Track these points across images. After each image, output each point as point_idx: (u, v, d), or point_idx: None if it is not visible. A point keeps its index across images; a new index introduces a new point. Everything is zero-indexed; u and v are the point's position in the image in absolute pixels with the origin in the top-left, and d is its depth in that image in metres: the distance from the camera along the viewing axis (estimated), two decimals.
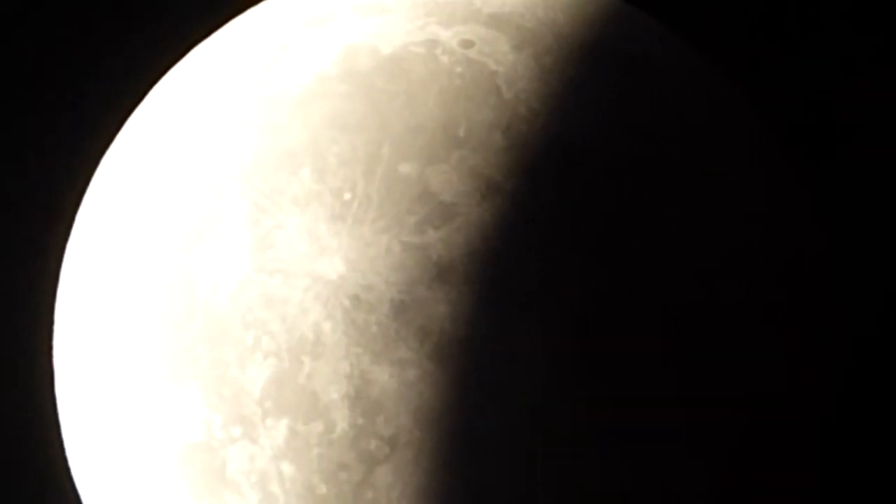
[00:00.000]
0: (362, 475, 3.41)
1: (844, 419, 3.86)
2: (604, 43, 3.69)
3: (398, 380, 3.37)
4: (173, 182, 3.64)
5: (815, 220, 3.83)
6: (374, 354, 3.38)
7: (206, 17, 4.07)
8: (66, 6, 5.51)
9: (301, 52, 3.64)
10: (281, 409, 3.43)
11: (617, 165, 3.48)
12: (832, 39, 5.04)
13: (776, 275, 3.58)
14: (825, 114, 4.95)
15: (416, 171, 3.43)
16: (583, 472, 3.39)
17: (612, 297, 3.39)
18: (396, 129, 3.47)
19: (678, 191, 3.50)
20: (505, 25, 3.64)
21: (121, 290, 3.69)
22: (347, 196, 3.43)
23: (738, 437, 3.51)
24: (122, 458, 3.73)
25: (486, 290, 3.38)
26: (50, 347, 4.12)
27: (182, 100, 3.80)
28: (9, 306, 5.51)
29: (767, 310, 3.54)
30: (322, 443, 3.41)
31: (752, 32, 5.09)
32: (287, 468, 3.45)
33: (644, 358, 3.39)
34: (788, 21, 5.05)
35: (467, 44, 3.59)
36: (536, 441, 3.36)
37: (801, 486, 3.73)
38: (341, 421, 3.40)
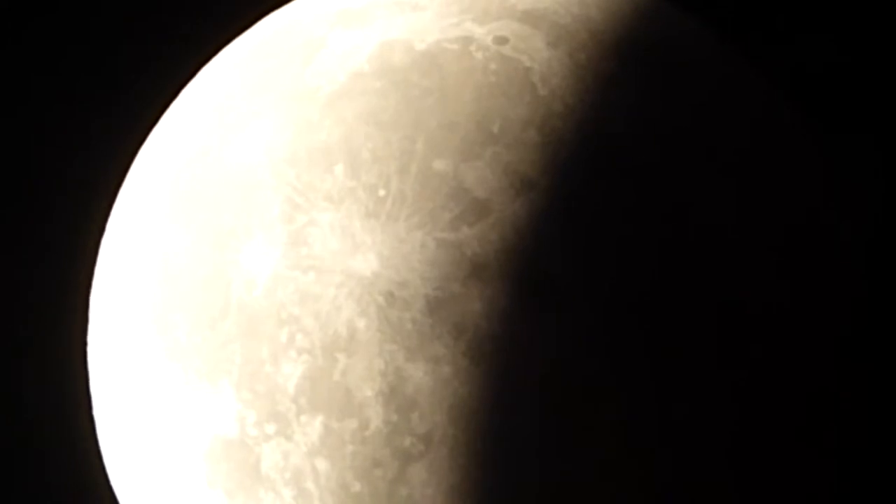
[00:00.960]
0: (396, 472, 3.41)
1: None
2: (638, 39, 3.68)
3: (432, 377, 3.37)
4: (207, 179, 3.65)
5: (847, 203, 3.81)
6: (408, 351, 3.37)
7: (241, 13, 4.08)
8: (102, 5, 5.53)
9: (335, 49, 3.64)
10: (315, 406, 3.43)
11: (652, 161, 3.47)
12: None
13: (819, 265, 3.56)
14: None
15: (450, 168, 3.42)
16: (621, 470, 3.38)
17: (648, 293, 3.38)
18: (431, 125, 3.46)
19: (715, 186, 3.48)
20: (539, 22, 3.63)
21: (155, 288, 3.70)
22: (381, 192, 3.42)
23: (791, 433, 3.50)
24: (157, 456, 3.73)
25: (520, 287, 3.38)
26: (84, 346, 4.14)
27: (216, 97, 3.80)
28: (44, 305, 5.53)
29: (812, 302, 3.52)
30: (356, 440, 3.41)
31: (788, 31, 5.07)
32: (321, 465, 3.45)
33: (681, 352, 3.37)
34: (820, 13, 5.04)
35: (501, 40, 3.58)
36: (572, 438, 3.35)
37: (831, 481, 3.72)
38: (375, 418, 3.39)
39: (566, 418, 3.36)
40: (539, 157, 3.45)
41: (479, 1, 3.66)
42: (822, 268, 3.59)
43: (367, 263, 3.40)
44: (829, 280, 3.60)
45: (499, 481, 3.39)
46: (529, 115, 3.48)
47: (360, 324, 3.39)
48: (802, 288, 3.52)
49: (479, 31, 3.60)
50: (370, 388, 3.39)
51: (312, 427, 3.44)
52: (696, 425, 3.41)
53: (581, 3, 3.71)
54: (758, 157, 3.62)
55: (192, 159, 3.72)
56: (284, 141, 3.55)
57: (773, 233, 3.52)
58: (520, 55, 3.56)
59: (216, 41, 4.04)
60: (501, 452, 3.38)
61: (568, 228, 3.40)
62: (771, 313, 3.46)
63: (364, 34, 3.64)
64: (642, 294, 3.38)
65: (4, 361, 5.66)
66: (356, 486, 3.44)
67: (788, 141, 3.75)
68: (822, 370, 3.55)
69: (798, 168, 3.71)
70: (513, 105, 3.49)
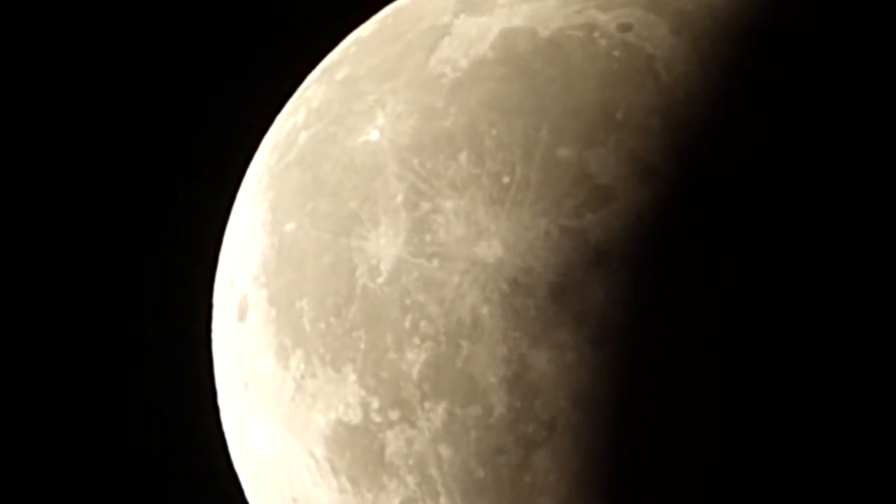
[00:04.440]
0: (520, 459, 3.41)
1: None
2: (763, 26, 3.65)
3: (556, 364, 3.36)
4: (332, 166, 3.67)
5: None
6: (532, 338, 3.37)
7: (363, 2, 4.10)
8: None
9: (459, 36, 3.65)
10: (439, 393, 3.44)
11: (777, 150, 3.43)
12: None
13: None
14: None
15: (574, 155, 3.41)
16: (745, 454, 3.35)
17: (774, 285, 3.35)
18: (554, 112, 3.46)
19: (845, 176, 3.44)
20: (663, 9, 3.61)
21: (278, 275, 3.73)
22: (506, 179, 3.43)
23: None
24: (281, 442, 3.76)
25: (643, 275, 3.36)
26: (209, 335, 4.18)
27: (341, 84, 3.83)
28: (168, 297, 5.61)
29: None
30: (480, 426, 3.42)
31: None
32: (445, 451, 3.46)
33: (811, 346, 3.34)
34: None
35: (625, 27, 3.57)
36: (696, 425, 3.33)
37: None
38: (499, 404, 3.40)
39: (689, 404, 3.34)
40: (663, 145, 3.43)
41: None
42: None
43: (490, 250, 3.41)
44: None
45: (622, 468, 3.38)
46: (653, 103, 3.47)
47: (484, 311, 3.40)
48: None
49: (603, 19, 3.59)
50: (494, 375, 3.39)
51: (436, 413, 3.45)
52: (827, 423, 3.37)
53: None
54: (891, 147, 3.57)
55: (316, 146, 3.75)
56: (409, 128, 3.57)
57: None
58: (643, 42, 3.55)
59: (340, 27, 4.07)
60: (625, 439, 3.36)
61: (691, 216, 3.38)
62: None
63: (487, 21, 3.65)
64: (766, 285, 3.35)
65: (134, 355, 5.75)
66: (480, 473, 3.44)
67: None
68: None
69: None
70: (636, 92, 3.48)
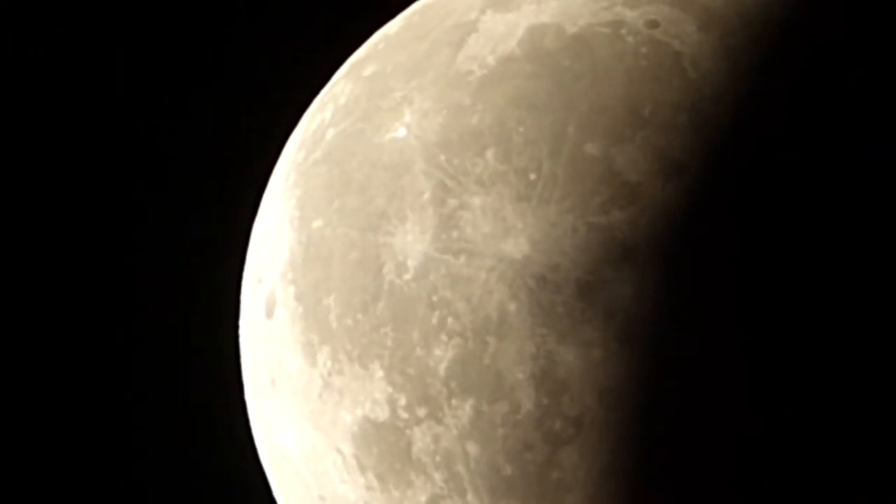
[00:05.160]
0: (547, 455, 3.41)
1: None
2: (790, 23, 3.64)
3: (583, 360, 3.36)
4: (359, 162, 3.68)
5: None
6: (559, 335, 3.37)
7: None
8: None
9: (487, 32, 3.65)
10: (466, 390, 3.44)
11: (804, 147, 3.43)
12: None
13: None
14: None
15: (601, 151, 3.41)
16: (772, 455, 3.35)
17: (803, 280, 3.34)
18: (582, 108, 3.46)
19: (873, 180, 3.43)
20: (690, 6, 3.60)
21: (306, 272, 3.74)
22: (533, 176, 3.43)
23: None
24: (308, 439, 3.77)
25: (671, 271, 3.36)
26: (236, 332, 4.20)
27: (367, 81, 3.83)
28: (196, 294, 5.62)
29: None
30: (507, 423, 3.42)
31: None
32: (472, 448, 3.46)
33: (841, 344, 3.33)
34: None
35: (652, 24, 3.56)
36: (722, 421, 3.33)
37: None
38: (526, 401, 3.40)
39: (715, 401, 3.34)
40: (690, 142, 3.42)
41: None
42: None
43: (518, 247, 3.41)
44: None
45: (649, 464, 3.38)
46: (680, 99, 3.46)
47: (511, 307, 3.40)
48: None
49: (630, 15, 3.58)
50: (521, 372, 3.39)
51: (463, 410, 3.45)
52: (860, 421, 3.37)
53: None
54: None
55: (344, 143, 3.75)
56: (436, 125, 3.57)
57: None
58: (671, 39, 3.55)
59: (368, 24, 4.08)
60: (652, 435, 3.36)
61: (718, 213, 3.38)
62: None
63: (514, 18, 3.65)
64: (794, 282, 3.34)
65: (162, 352, 5.77)
66: (507, 470, 3.45)
67: None
68: None
69: None
70: (663, 89, 3.47)
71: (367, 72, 3.85)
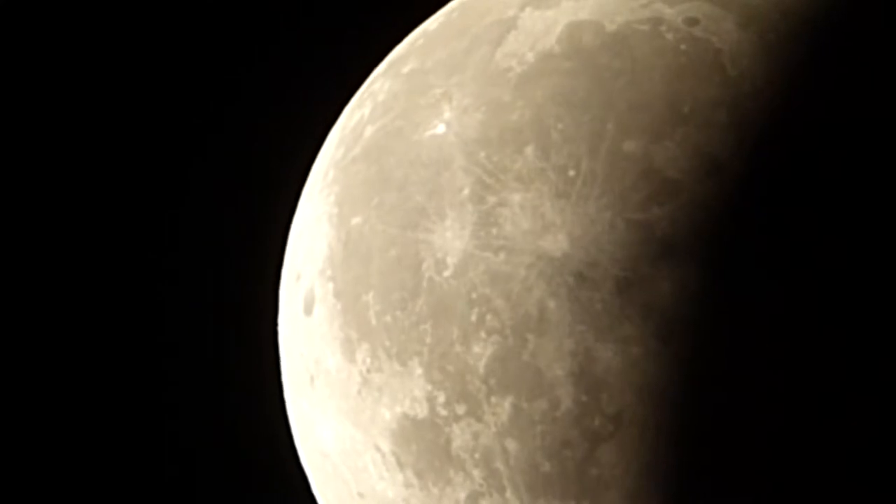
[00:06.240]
0: (586, 453, 3.41)
1: None
2: (830, 21, 3.63)
3: (622, 357, 3.36)
4: (399, 159, 3.69)
5: None
6: (598, 332, 3.37)
7: None
8: None
9: (526, 29, 3.65)
10: (505, 387, 3.44)
11: (845, 145, 3.41)
12: None
13: None
14: None
15: (640, 148, 3.41)
16: (811, 453, 3.33)
17: (842, 278, 3.33)
18: (621, 106, 3.45)
19: None
20: (730, 3, 3.60)
21: (345, 269, 3.74)
22: (572, 173, 3.43)
23: None
24: (346, 436, 3.78)
25: (710, 268, 3.35)
26: (275, 329, 4.21)
27: (405, 78, 3.84)
28: (235, 291, 5.64)
29: None
30: (546, 420, 3.42)
31: None
32: (511, 445, 3.46)
33: (881, 342, 3.32)
34: None
35: (692, 21, 3.56)
36: (761, 418, 3.32)
37: None
38: (566, 398, 3.40)
39: (754, 398, 3.33)
40: (729, 139, 3.42)
41: None
42: None
43: (557, 244, 3.41)
44: None
45: (688, 461, 3.37)
46: (720, 97, 3.46)
47: (551, 304, 3.40)
48: None
49: (670, 13, 3.58)
50: (560, 369, 3.39)
51: (502, 407, 3.45)
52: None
53: None
54: None
55: (382, 140, 3.76)
56: (475, 122, 3.57)
57: None
58: (710, 36, 3.54)
59: (406, 21, 4.08)
60: (691, 433, 3.35)
61: (757, 210, 3.37)
62: None
63: (553, 15, 3.65)
64: (834, 280, 3.33)
65: (201, 349, 5.79)
66: (546, 467, 3.45)
67: None
68: None
69: None
70: (703, 86, 3.47)
71: (407, 69, 3.86)
